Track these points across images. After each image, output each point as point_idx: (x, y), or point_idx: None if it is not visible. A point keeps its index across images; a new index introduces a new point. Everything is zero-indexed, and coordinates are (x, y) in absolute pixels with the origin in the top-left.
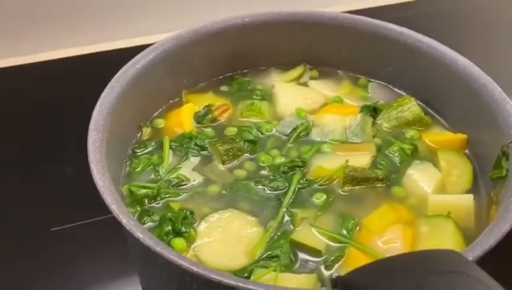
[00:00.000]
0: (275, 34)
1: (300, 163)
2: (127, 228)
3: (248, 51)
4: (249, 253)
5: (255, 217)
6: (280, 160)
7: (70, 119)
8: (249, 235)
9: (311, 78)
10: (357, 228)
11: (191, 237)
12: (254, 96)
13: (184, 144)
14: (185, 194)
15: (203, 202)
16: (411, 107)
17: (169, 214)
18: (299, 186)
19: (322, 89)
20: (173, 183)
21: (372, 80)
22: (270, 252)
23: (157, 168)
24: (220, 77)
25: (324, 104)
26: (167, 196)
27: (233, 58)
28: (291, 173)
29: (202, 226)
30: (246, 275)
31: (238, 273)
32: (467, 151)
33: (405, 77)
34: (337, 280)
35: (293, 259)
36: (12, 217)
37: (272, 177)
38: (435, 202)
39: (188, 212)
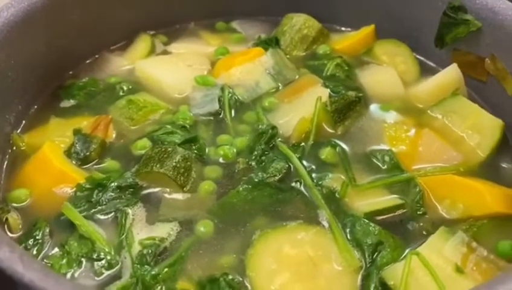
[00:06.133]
0: (98, 10)
1: (270, 130)
2: None
3: (71, 42)
4: (347, 267)
5: (294, 220)
6: (242, 143)
7: None
8: (318, 246)
9: (164, 44)
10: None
11: None
12: (121, 94)
13: (97, 200)
14: (178, 260)
15: (213, 250)
16: (307, 22)
17: None
18: (297, 155)
19: (193, 50)
20: (148, 258)
21: (232, 20)
22: (370, 242)
23: (95, 256)
24: (49, 92)
25: (212, 64)
26: (161, 279)
27: (57, 56)
28: (271, 147)
29: (256, 282)
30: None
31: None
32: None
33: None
34: None
35: (392, 235)
36: None
37: (258, 164)
38: (426, 92)
39: (227, 278)
